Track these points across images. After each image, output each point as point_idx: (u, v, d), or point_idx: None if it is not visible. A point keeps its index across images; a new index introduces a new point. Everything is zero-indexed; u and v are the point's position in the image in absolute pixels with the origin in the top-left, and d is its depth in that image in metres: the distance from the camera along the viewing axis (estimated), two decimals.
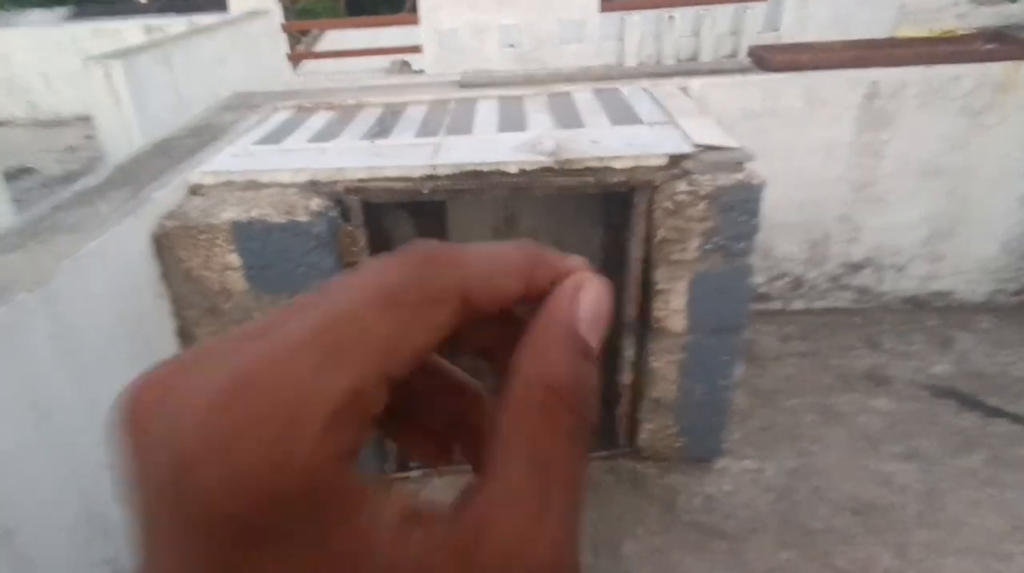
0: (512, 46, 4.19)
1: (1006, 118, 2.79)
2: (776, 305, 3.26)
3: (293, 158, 2.24)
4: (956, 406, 2.58)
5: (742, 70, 3.03)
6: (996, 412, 2.54)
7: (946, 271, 3.14)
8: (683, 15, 4.42)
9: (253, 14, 5.05)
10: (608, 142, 2.17)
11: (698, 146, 2.08)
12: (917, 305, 3.21)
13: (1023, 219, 3.01)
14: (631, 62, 4.39)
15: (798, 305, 3.26)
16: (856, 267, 3.17)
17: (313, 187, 2.08)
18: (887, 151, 2.90)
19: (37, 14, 8.78)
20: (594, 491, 2.31)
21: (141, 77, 3.02)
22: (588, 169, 2.04)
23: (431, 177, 2.06)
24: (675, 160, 2.03)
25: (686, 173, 2.01)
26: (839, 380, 2.77)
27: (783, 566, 1.99)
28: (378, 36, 5.96)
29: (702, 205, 1.96)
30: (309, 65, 6.58)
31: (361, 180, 2.06)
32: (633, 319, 2.24)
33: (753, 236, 1.99)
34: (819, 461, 2.38)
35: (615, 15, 4.38)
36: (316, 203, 1.98)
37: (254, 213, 1.93)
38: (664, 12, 4.40)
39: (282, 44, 5.46)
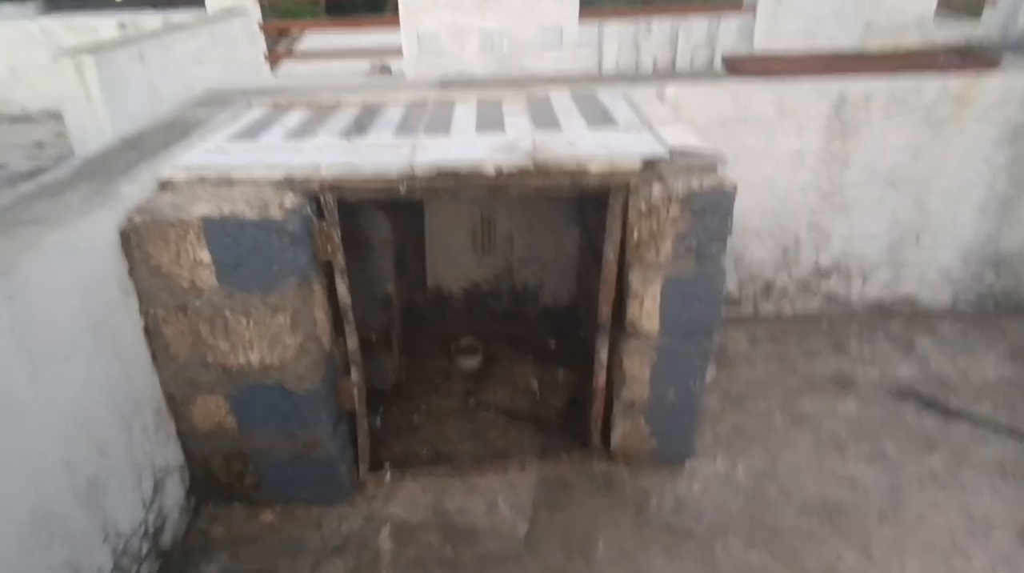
0: (492, 50, 4.21)
1: (964, 130, 2.89)
2: (747, 309, 3.32)
3: (268, 155, 2.22)
4: (918, 409, 2.65)
5: (716, 77, 3.08)
6: (956, 414, 2.61)
7: (910, 278, 3.23)
8: (660, 25, 4.50)
9: (230, 12, 4.99)
10: (584, 144, 2.19)
11: (672, 150, 2.12)
12: (882, 311, 3.29)
13: (982, 229, 3.11)
14: (609, 70, 4.45)
15: (768, 310, 3.32)
16: (824, 273, 3.24)
17: (288, 184, 2.06)
18: (853, 160, 2.98)
19: (8, 8, 8.56)
20: (567, 492, 2.32)
21: (114, 73, 2.96)
22: (564, 171, 2.06)
23: (408, 176, 2.06)
24: (649, 163, 2.06)
25: (660, 176, 2.03)
26: (806, 383, 2.83)
27: (752, 566, 2.02)
28: (358, 38, 5.93)
29: (675, 208, 1.99)
30: (287, 67, 6.50)
31: (337, 178, 2.05)
32: (607, 321, 2.25)
33: (725, 239, 2.02)
34: (787, 462, 2.42)
35: (594, 24, 4.44)
36: (291, 200, 1.96)
37: (227, 209, 1.90)
38: (641, 22, 4.48)
39: (260, 44, 5.40)
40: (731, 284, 3.29)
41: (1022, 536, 2.10)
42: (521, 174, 2.06)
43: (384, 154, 2.17)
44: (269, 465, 2.27)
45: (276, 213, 1.90)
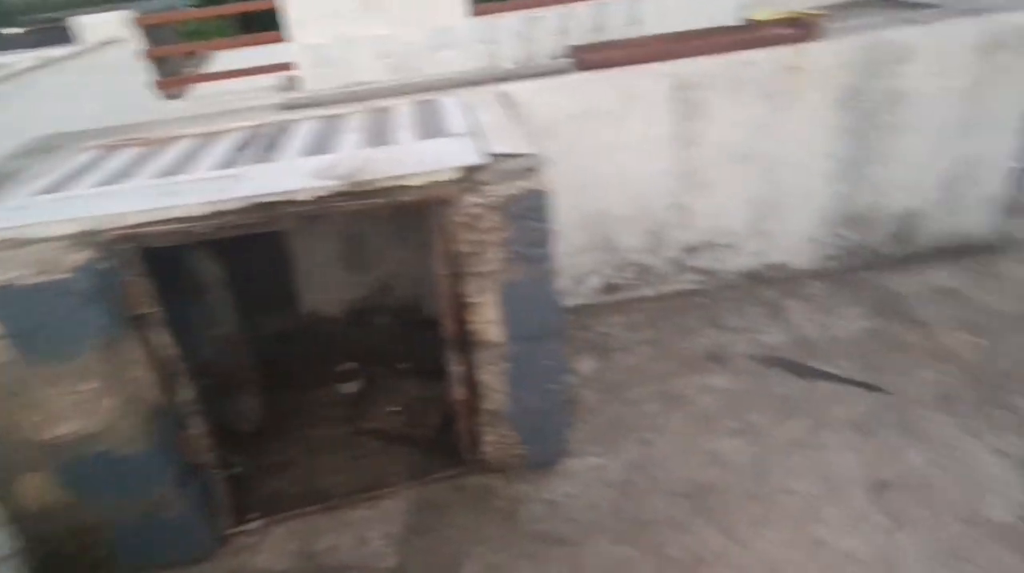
0: (386, 57, 4.09)
1: (801, 99, 2.96)
2: (625, 295, 3.33)
3: (70, 207, 2.05)
4: (783, 374, 2.71)
5: (563, 71, 3.06)
6: (819, 374, 2.68)
7: (775, 245, 3.31)
8: (553, 15, 4.49)
9: (107, 43, 4.74)
10: (407, 159, 2.12)
11: (492, 156, 2.07)
12: (753, 280, 3.36)
13: (836, 191, 3.21)
14: (505, 64, 4.39)
15: (646, 292, 3.34)
16: (694, 250, 3.28)
17: (83, 238, 1.91)
18: (703, 140, 3.02)
19: None
20: (439, 514, 2.26)
21: None
22: (381, 190, 1.98)
23: (217, 214, 1.94)
24: (468, 172, 2.00)
25: (478, 185, 1.98)
26: (681, 364, 2.85)
27: (619, 564, 2.01)
28: (271, 53, 5.62)
29: (494, 216, 1.95)
30: (201, 89, 6.12)
31: (137, 225, 1.92)
32: (455, 335, 2.20)
33: (547, 242, 1.99)
34: (659, 449, 2.43)
35: (486, 19, 4.39)
36: (80, 257, 1.82)
37: (8, 275, 1.75)
38: (534, 13, 4.47)
39: (143, 72, 5.12)
40: (608, 271, 3.29)
41: (874, 490, 2.16)
42: (338, 198, 1.98)
43: (197, 192, 2.04)
44: (118, 534, 2.13)
45: (61, 273, 1.76)
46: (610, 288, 3.34)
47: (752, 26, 3.02)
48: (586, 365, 2.93)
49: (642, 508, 2.19)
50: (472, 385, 2.28)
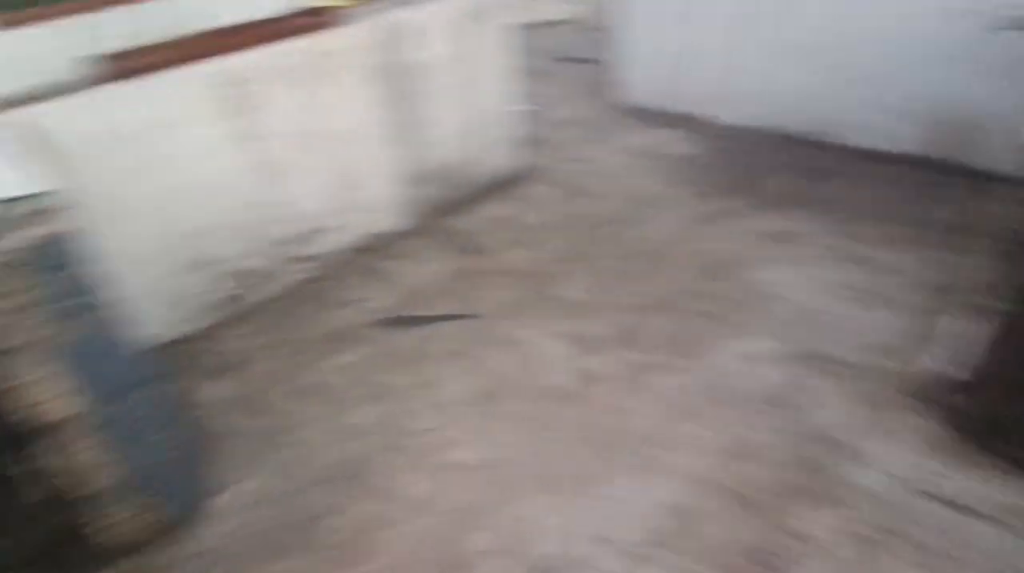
0: None
1: (342, 79, 3.15)
2: (244, 304, 3.20)
3: None
4: (396, 330, 2.99)
5: (101, 83, 2.64)
6: (423, 320, 3.03)
7: (365, 216, 3.54)
8: (87, 23, 3.67)
9: None
10: None
11: None
12: (358, 251, 3.55)
13: (399, 156, 3.55)
14: (33, 84, 3.46)
15: (263, 294, 3.26)
16: (294, 241, 3.30)
17: None
18: (267, 132, 2.99)
19: None
20: None
21: None
22: None
23: None
24: None
25: None
26: (309, 354, 2.90)
27: None
28: None
29: (10, 277, 1.63)
30: None
31: None
32: (13, 427, 1.82)
33: (93, 287, 1.77)
34: (305, 444, 2.46)
35: (21, 31, 3.40)
36: None
37: None
38: (65, 23, 3.58)
39: None
40: (219, 285, 3.09)
41: (481, 402, 2.57)
42: None
43: None
44: None
45: None
46: (228, 301, 3.15)
47: (301, 15, 3.04)
48: (219, 388, 2.76)
49: (300, 509, 2.22)
50: (67, 472, 1.94)
